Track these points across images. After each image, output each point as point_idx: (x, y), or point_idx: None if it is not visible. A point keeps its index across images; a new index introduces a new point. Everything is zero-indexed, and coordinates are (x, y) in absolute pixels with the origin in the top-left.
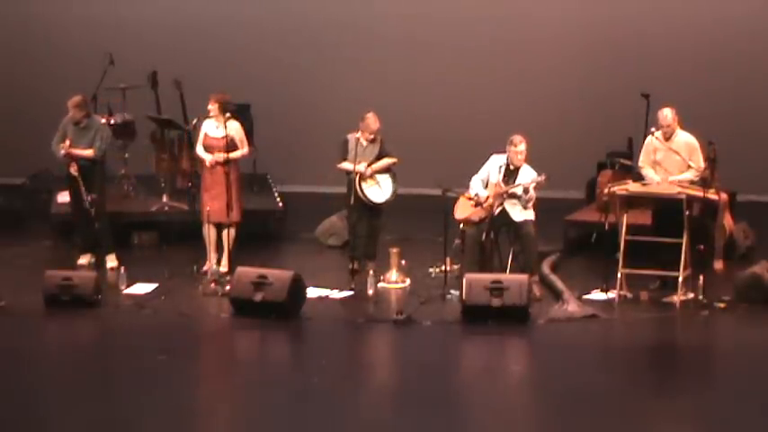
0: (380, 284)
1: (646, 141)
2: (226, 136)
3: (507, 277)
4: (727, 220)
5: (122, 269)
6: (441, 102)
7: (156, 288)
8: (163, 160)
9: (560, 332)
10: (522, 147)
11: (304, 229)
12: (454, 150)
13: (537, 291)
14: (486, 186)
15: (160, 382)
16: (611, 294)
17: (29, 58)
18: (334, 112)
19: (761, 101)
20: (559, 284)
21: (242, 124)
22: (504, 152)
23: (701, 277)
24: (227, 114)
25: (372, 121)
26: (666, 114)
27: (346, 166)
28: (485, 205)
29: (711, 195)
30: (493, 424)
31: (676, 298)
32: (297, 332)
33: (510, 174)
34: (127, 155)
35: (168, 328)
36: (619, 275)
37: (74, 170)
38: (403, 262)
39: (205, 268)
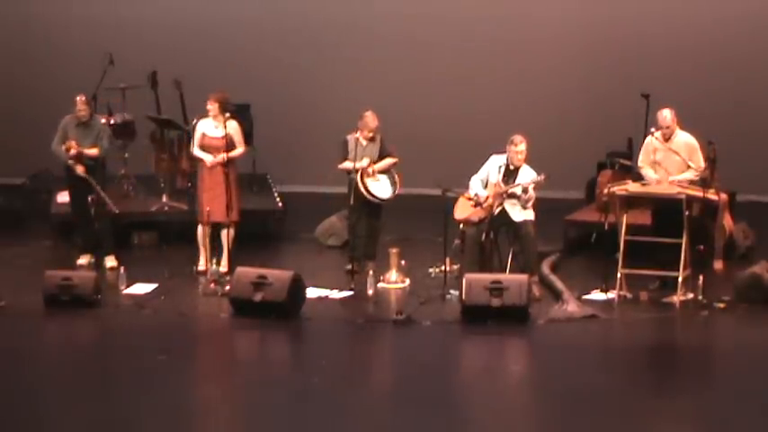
0: (380, 284)
1: (645, 142)
2: (226, 135)
3: (507, 277)
4: (727, 221)
5: (122, 269)
6: (440, 101)
7: (156, 288)
8: (162, 160)
9: (560, 332)
10: (522, 147)
11: (304, 229)
12: (454, 150)
13: (537, 291)
14: (486, 186)
15: (160, 382)
16: (611, 294)
17: (29, 58)
18: (334, 112)
19: (761, 101)
20: (559, 284)
21: (240, 124)
22: (504, 152)
23: (701, 277)
24: (228, 114)
25: (371, 119)
26: (666, 115)
27: (347, 165)
28: (484, 205)
29: (711, 195)
30: (492, 424)
31: (676, 298)
32: (296, 332)
33: (510, 174)
34: (127, 155)
35: (168, 329)
36: (618, 275)
37: (81, 171)
38: (402, 262)
39: (201, 269)
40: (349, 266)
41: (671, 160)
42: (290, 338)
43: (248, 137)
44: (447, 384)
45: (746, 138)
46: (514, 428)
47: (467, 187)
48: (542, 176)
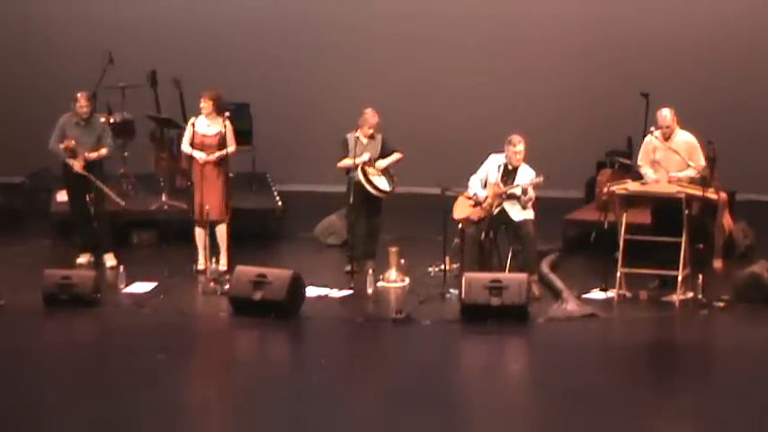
0: (380, 283)
1: (645, 141)
2: (219, 133)
3: (506, 276)
4: (727, 220)
5: (121, 268)
6: (440, 101)
7: (156, 287)
8: (162, 159)
9: (559, 331)
10: (520, 147)
11: (303, 228)
12: (453, 149)
13: (536, 290)
14: (485, 186)
15: (159, 381)
16: (611, 293)
17: (29, 58)
18: (334, 111)
19: (760, 100)
20: (559, 283)
21: (232, 122)
22: (503, 152)
23: (701, 276)
24: (227, 114)
25: (371, 115)
26: (666, 115)
27: (347, 162)
28: (484, 205)
29: (711, 194)
30: (492, 423)
31: (675, 297)
32: (296, 331)
33: (509, 173)
34: (126, 154)
35: (167, 327)
36: (618, 274)
37: (79, 168)
38: (402, 261)
39: (200, 268)
40: (348, 267)
41: (671, 159)
42: (289, 337)
43: (248, 136)
44: (446, 383)
45: (746, 137)
46: (514, 427)
47: (466, 187)
48: (541, 178)
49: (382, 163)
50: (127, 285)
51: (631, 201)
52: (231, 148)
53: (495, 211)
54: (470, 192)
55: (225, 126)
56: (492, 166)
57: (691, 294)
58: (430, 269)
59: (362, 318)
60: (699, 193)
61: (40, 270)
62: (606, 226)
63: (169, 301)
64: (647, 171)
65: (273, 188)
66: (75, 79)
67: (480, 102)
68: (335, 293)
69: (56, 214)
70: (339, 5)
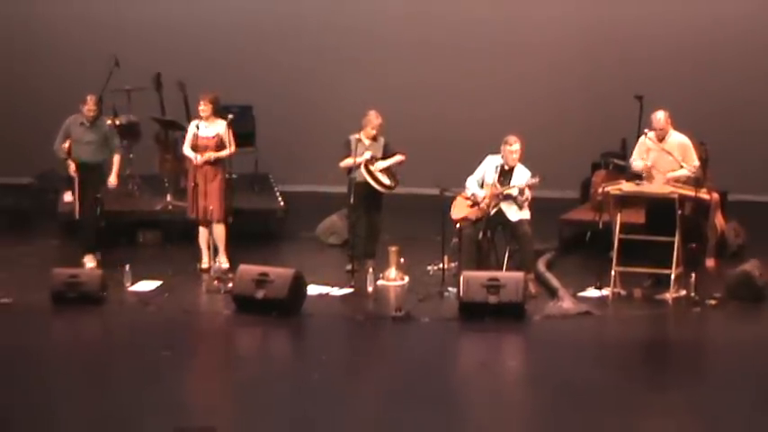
0: (380, 282)
1: (639, 141)
2: (218, 135)
3: (504, 275)
4: (719, 219)
5: (127, 266)
6: (438, 103)
7: (160, 285)
8: (167, 161)
9: (556, 328)
10: (516, 146)
11: (305, 227)
12: (451, 150)
13: (533, 288)
14: (482, 186)
15: (164, 377)
16: (605, 292)
17: (36, 61)
18: (335, 113)
19: (752, 103)
20: (555, 282)
21: (235, 124)
22: (500, 153)
23: (693, 275)
24: (231, 117)
25: (374, 116)
26: (660, 117)
27: (348, 162)
28: (481, 205)
29: (703, 195)
30: (490, 418)
31: (669, 295)
32: (298, 329)
33: (505, 174)
34: (132, 155)
35: (172, 325)
36: (612, 273)
37: (72, 170)
38: (402, 260)
39: (204, 267)
40: (349, 266)
41: (664, 160)
42: (291, 335)
43: (251, 138)
44: (445, 379)
45: (738, 138)
46: (511, 422)
47: (464, 187)
48: (537, 178)
49: (383, 164)
50: (132, 284)
51: (625, 201)
52: (230, 149)
53: (493, 211)
54: (468, 192)
55: (227, 128)
56: (489, 167)
57: (684, 292)
58: (429, 268)
59: (363, 315)
60: (692, 193)
61: (47, 269)
62: (601, 226)
63: (173, 300)
64: (637, 163)
65: (276, 189)
66: (81, 82)
67: (478, 104)
68: (336, 292)
69: (63, 215)
70: (340, 10)
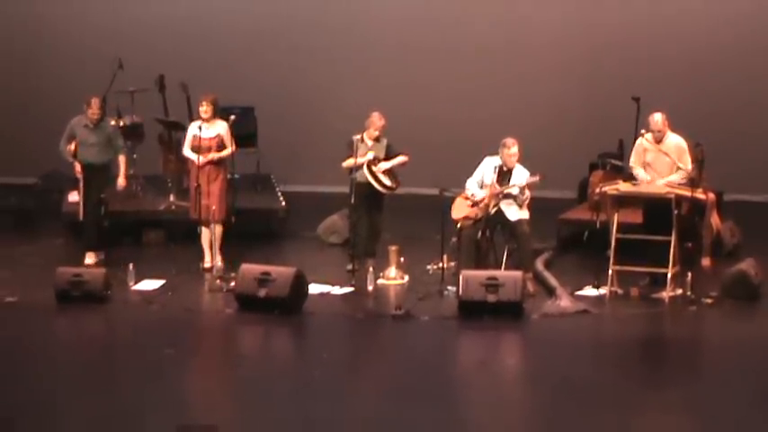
0: (380, 281)
1: (636, 143)
2: (218, 135)
3: (502, 274)
4: (715, 219)
5: (131, 266)
6: (438, 105)
7: (164, 284)
8: (170, 161)
9: (553, 327)
10: (514, 149)
11: (306, 227)
12: (451, 152)
13: (531, 287)
14: (482, 188)
15: (167, 375)
16: (603, 290)
17: (40, 62)
18: (335, 114)
19: (747, 105)
20: (553, 281)
21: (237, 125)
22: (498, 154)
23: (690, 274)
24: (233, 117)
25: (377, 118)
26: (657, 119)
27: (350, 162)
28: (481, 205)
29: (699, 195)
30: (488, 415)
31: (665, 294)
32: (299, 327)
33: (504, 175)
34: (135, 156)
35: (175, 323)
36: (610, 272)
37: (77, 172)
38: (402, 259)
39: (207, 266)
40: (350, 265)
41: (661, 161)
42: (292, 333)
43: (253, 138)
44: (444, 377)
45: (733, 139)
46: (509, 419)
47: (463, 188)
48: (537, 177)
49: (385, 165)
50: (136, 283)
51: (622, 201)
52: (231, 148)
53: (492, 211)
54: (468, 193)
55: (229, 128)
56: (487, 169)
57: (680, 291)
58: (428, 267)
59: (363, 314)
60: (688, 193)
61: (52, 268)
62: (598, 225)
63: (176, 298)
64: (639, 172)
65: (277, 189)
66: (85, 82)
67: (477, 105)
68: (337, 290)
69: (67, 214)
70: (340, 13)
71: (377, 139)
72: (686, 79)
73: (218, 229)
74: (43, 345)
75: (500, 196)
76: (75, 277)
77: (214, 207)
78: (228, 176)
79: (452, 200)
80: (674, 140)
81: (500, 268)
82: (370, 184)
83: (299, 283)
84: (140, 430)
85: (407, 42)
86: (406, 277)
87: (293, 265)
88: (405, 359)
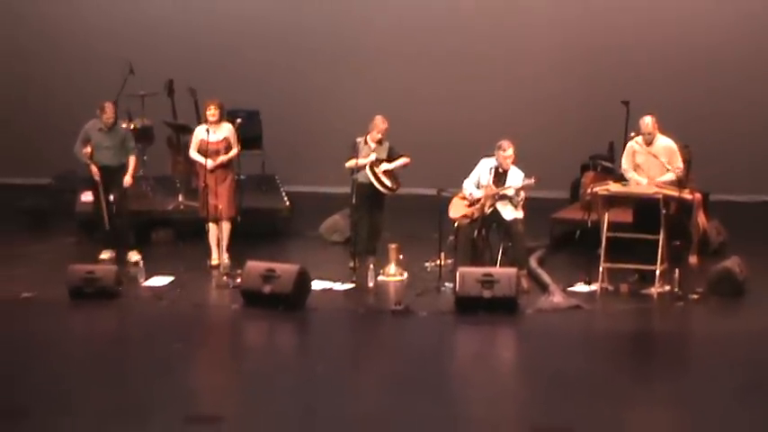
0: (380, 277)
1: (627, 146)
2: (225, 138)
3: (497, 271)
4: (701, 218)
5: (141, 263)
6: (436, 107)
7: (173, 281)
8: (178, 163)
9: (547, 322)
10: (510, 151)
11: (309, 226)
12: (448, 153)
13: (525, 283)
14: (478, 188)
15: (175, 368)
16: (594, 287)
17: (54, 64)
18: (338, 117)
19: (733, 107)
20: (546, 278)
21: (243, 128)
22: (493, 155)
23: (677, 271)
24: (239, 121)
25: (380, 121)
26: (647, 122)
27: (352, 163)
28: (477, 205)
29: (686, 195)
30: (484, 405)
31: (654, 290)
32: (302, 322)
33: (499, 176)
34: (145, 157)
35: (183, 318)
36: (601, 269)
37: (95, 174)
38: (401, 257)
39: (214, 263)
40: (351, 263)
41: (651, 163)
42: (296, 328)
43: (258, 140)
44: (442, 370)
45: (720, 141)
46: (504, 410)
47: (461, 188)
48: (532, 180)
49: (387, 166)
50: (146, 279)
51: (613, 201)
52: (236, 150)
53: (488, 210)
54: (465, 193)
55: (236, 131)
56: (483, 170)
57: (668, 288)
58: (426, 264)
59: (364, 309)
60: (675, 193)
61: (65, 265)
62: (590, 224)
63: (185, 294)
64: (632, 175)
65: (281, 189)
66: (98, 86)
67: (473, 109)
68: (339, 287)
69: (80, 214)
70: (343, 19)
71: (379, 142)
72: (674, 84)
73: (227, 226)
74: (57, 339)
75: (496, 197)
76: (88, 274)
77: (221, 206)
78: (235, 177)
79: (450, 200)
80: (664, 142)
81: (495, 265)
82: (371, 184)
83: (303, 280)
84: (149, 420)
85: (407, 47)
86: (406, 274)
87: (297, 263)
88: (404, 352)
